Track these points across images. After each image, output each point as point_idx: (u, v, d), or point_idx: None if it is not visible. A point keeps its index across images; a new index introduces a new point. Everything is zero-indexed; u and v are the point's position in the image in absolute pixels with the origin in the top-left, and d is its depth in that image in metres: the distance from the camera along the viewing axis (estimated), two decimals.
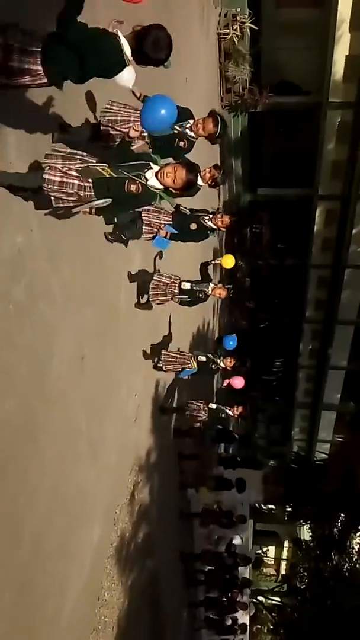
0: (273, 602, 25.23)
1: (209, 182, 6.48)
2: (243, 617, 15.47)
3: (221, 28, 13.88)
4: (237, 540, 14.34)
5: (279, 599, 24.51)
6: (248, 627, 16.62)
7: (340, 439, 21.19)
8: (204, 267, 9.26)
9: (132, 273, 7.71)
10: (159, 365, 8.78)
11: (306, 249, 18.61)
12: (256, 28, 14.13)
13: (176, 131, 5.63)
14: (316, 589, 18.53)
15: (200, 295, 7.98)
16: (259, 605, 25.09)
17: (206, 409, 10.69)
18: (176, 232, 6.78)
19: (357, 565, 18.11)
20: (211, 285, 8.22)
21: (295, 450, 24.26)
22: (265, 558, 30.86)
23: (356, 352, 21.95)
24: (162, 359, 8.77)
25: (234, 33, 13.82)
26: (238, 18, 13.78)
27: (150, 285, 7.86)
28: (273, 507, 26.15)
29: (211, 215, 7.13)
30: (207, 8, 12.82)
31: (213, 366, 9.21)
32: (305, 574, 20.03)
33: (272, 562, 32.43)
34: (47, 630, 5.28)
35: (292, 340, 22.14)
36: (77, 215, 5.49)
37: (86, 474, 6.26)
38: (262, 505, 26.12)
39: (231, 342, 9.56)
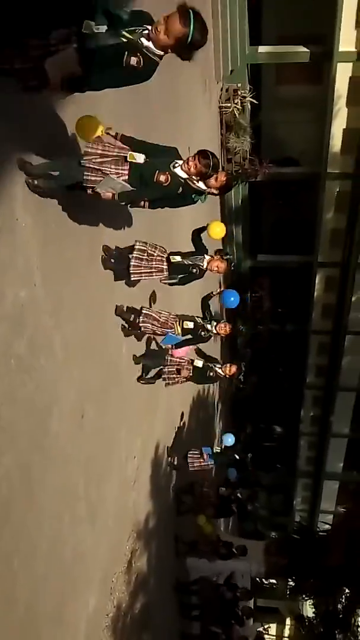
0: None
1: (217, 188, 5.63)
2: None
3: (223, 102, 14.46)
4: None
5: None
6: None
7: (343, 509, 20.66)
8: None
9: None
10: (139, 324, 7.24)
11: (306, 315, 18.74)
12: (256, 102, 14.72)
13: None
14: None
15: (195, 270, 6.60)
16: None
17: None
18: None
19: None
20: (207, 257, 6.71)
21: (298, 520, 23.62)
22: (266, 636, 29.49)
23: (358, 419, 21.74)
24: (141, 319, 7.25)
25: (235, 107, 14.39)
26: (239, 92, 14.37)
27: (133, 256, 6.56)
28: (274, 581, 25.26)
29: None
30: (209, 82, 13.40)
31: (203, 333, 7.57)
32: None
33: None
34: None
35: (293, 406, 21.97)
36: (81, 270, 5.57)
37: (84, 538, 6.06)
38: (264, 580, 25.21)
39: (232, 299, 7.72)
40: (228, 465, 11.95)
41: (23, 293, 4.51)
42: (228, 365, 8.42)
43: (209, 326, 7.56)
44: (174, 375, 8.37)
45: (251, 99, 14.55)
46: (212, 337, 8.07)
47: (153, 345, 8.62)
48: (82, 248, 5.76)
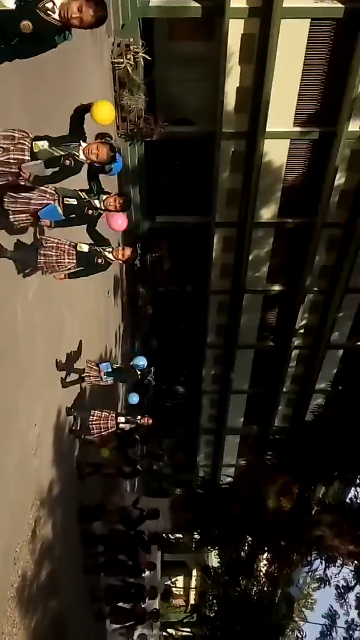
0: (183, 633, 24.87)
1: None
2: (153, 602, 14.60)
3: (115, 57, 13.98)
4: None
5: (189, 629, 24.19)
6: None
7: (244, 462, 21.43)
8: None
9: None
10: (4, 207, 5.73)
11: (205, 276, 18.91)
12: (150, 59, 14.35)
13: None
14: (226, 616, 18.42)
15: (68, 161, 5.31)
16: (169, 638, 24.63)
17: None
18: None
19: (265, 588, 18.22)
20: (83, 144, 5.39)
21: (202, 475, 24.29)
22: (174, 588, 30.46)
23: (257, 375, 22.47)
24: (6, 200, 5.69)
25: (128, 62, 13.94)
26: (132, 48, 13.93)
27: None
28: (180, 536, 25.95)
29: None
30: (100, 36, 12.88)
31: (90, 212, 6.22)
32: (215, 601, 19.89)
33: (182, 593, 32.08)
34: None
35: (195, 366, 22.34)
36: None
37: None
38: (170, 535, 25.83)
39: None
40: (130, 389, 11.74)
41: None
42: (121, 249, 7.05)
43: (96, 202, 6.17)
44: (53, 260, 6.71)
45: (144, 55, 14.12)
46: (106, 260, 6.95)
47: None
48: None
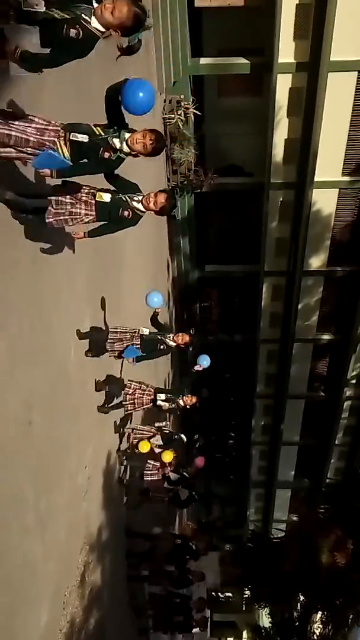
0: None
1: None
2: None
3: (166, 113, 14.52)
4: None
5: None
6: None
7: (297, 518, 20.80)
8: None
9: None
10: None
11: (255, 325, 18.89)
12: (200, 114, 14.85)
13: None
14: None
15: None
16: None
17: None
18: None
19: None
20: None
21: (252, 529, 23.63)
22: None
23: (308, 427, 22.01)
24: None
25: (179, 118, 14.47)
26: (182, 104, 14.46)
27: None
28: (230, 594, 25.15)
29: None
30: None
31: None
32: None
33: None
34: None
35: (244, 416, 22.08)
36: (28, 273, 5.42)
37: (33, 550, 5.84)
38: (219, 594, 25.09)
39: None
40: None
41: None
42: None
43: (116, 141, 4.80)
44: (66, 211, 5.21)
45: (194, 110, 14.66)
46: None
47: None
48: (27, 248, 5.61)
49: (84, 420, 7.81)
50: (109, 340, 7.66)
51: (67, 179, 4.92)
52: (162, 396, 8.48)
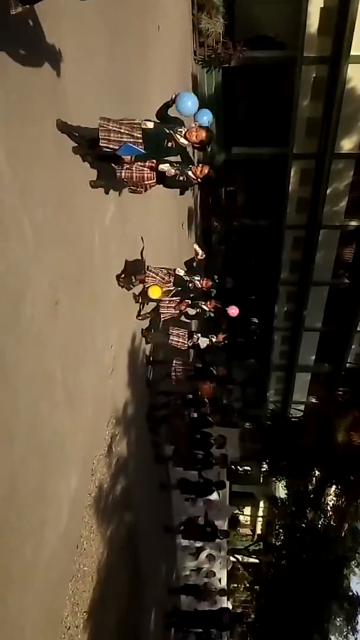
0: (250, 560, 25.76)
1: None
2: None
3: None
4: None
5: (255, 557, 25.03)
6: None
7: (315, 399, 21.47)
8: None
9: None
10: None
11: (281, 209, 18.54)
12: None
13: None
14: (291, 545, 18.95)
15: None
16: (236, 564, 25.60)
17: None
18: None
19: (332, 521, 18.55)
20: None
21: (271, 409, 24.50)
22: (241, 516, 31.42)
23: (330, 313, 22.14)
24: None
25: None
26: None
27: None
28: (249, 468, 26.50)
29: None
30: None
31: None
32: (281, 530, 20.45)
33: (248, 522, 33.06)
34: (24, 573, 5.24)
35: (268, 302, 22.22)
36: (49, 151, 5.34)
37: (63, 422, 6.18)
38: (239, 467, 26.40)
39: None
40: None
41: None
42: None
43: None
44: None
45: None
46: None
47: None
48: (49, 126, 5.49)
49: (109, 301, 7.97)
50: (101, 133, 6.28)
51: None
52: (165, 166, 7.10)
